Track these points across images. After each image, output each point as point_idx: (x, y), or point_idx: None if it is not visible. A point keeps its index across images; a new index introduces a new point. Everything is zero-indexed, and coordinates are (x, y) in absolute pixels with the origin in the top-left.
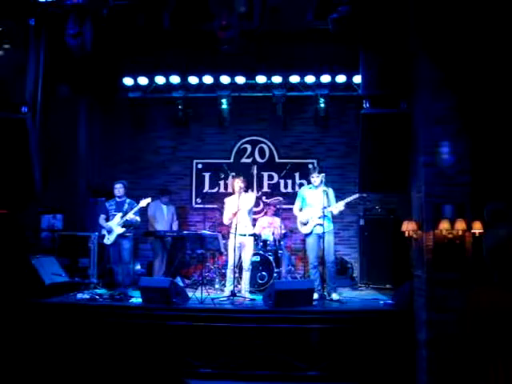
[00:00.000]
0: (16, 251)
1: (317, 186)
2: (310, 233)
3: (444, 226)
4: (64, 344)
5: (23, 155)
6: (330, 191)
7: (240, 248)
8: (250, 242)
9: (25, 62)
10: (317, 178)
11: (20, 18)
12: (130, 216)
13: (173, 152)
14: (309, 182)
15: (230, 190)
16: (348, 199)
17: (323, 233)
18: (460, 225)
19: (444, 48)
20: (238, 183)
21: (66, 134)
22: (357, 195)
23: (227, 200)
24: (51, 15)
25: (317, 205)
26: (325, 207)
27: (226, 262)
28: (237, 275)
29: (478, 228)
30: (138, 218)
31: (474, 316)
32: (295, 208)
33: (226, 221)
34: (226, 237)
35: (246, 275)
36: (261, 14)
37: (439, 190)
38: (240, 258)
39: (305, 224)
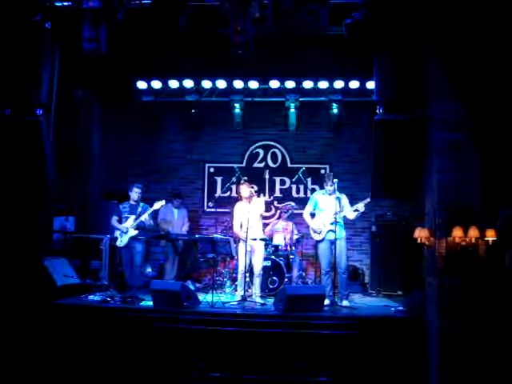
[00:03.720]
0: (28, 253)
1: (330, 193)
2: (323, 239)
3: (457, 233)
4: (75, 345)
5: (37, 157)
6: (344, 197)
7: (250, 252)
8: (260, 247)
9: (40, 64)
10: (330, 187)
11: (36, 21)
12: (145, 218)
13: (185, 156)
14: (321, 187)
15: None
16: (359, 205)
17: (335, 239)
18: (473, 232)
19: (458, 55)
20: (245, 188)
21: (79, 136)
22: (367, 200)
23: (236, 206)
24: (67, 18)
25: (330, 210)
26: (336, 213)
27: (237, 266)
28: (248, 280)
29: (491, 236)
30: (151, 222)
31: None
32: (306, 212)
33: (235, 228)
34: (236, 241)
35: (257, 280)
36: (274, 19)
37: (452, 196)
38: (250, 262)
39: (317, 232)
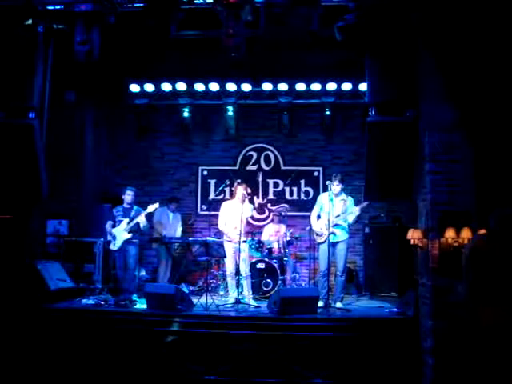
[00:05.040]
0: (21, 256)
1: (337, 195)
2: (324, 241)
3: (450, 234)
4: (68, 349)
5: (30, 160)
6: (350, 200)
7: (237, 254)
8: (245, 249)
9: (33, 68)
10: (337, 187)
11: (29, 25)
12: (141, 220)
13: (178, 158)
14: (314, 190)
15: (233, 195)
16: (354, 208)
17: (336, 242)
18: (466, 233)
19: (450, 57)
20: (241, 190)
21: (72, 139)
22: (364, 204)
23: (224, 205)
24: (59, 22)
25: (333, 213)
26: (338, 215)
27: None
28: (241, 282)
29: None
30: (147, 224)
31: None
32: (313, 215)
33: (221, 226)
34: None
35: (247, 282)
36: (267, 22)
37: (445, 198)
38: (238, 264)
39: (319, 235)
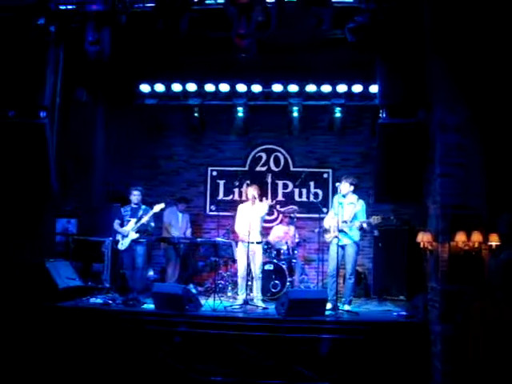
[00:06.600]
0: (31, 255)
1: (344, 195)
2: (331, 242)
3: (460, 237)
4: (76, 348)
5: (41, 159)
6: (360, 204)
7: (249, 256)
8: (259, 250)
9: (44, 67)
10: (342, 186)
11: (41, 24)
12: (146, 219)
13: (188, 159)
14: (323, 192)
15: (244, 197)
16: (369, 220)
17: (345, 244)
18: (476, 237)
19: (461, 59)
20: (251, 191)
21: (82, 139)
22: (379, 218)
23: (240, 207)
24: (71, 22)
25: (340, 215)
26: (345, 221)
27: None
28: (249, 283)
29: (494, 240)
30: (152, 224)
31: (476, 328)
32: (328, 217)
33: (237, 228)
34: (234, 243)
35: (257, 283)
36: (278, 22)
37: (455, 201)
38: (249, 265)
39: (326, 231)
